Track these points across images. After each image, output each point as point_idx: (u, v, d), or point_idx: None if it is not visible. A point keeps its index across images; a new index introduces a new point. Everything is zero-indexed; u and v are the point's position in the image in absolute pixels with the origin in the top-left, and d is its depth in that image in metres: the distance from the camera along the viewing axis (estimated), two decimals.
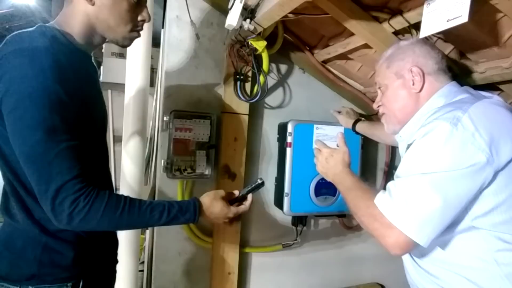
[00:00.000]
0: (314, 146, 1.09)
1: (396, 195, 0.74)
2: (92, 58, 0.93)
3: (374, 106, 1.06)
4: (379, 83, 1.01)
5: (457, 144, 0.71)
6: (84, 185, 0.72)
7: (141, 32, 0.92)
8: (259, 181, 1.02)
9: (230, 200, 1.01)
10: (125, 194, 0.83)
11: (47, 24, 0.81)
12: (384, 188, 0.81)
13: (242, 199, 1.03)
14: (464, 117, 0.73)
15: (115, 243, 1.00)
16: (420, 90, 0.92)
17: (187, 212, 0.87)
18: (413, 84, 0.92)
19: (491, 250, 0.75)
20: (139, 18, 0.88)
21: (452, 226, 0.77)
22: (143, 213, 0.80)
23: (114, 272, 1.00)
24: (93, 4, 0.81)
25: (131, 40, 0.90)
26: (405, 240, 0.72)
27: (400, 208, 0.72)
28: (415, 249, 0.87)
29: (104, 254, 0.93)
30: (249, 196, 1.03)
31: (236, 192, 1.04)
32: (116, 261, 1.01)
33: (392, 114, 0.99)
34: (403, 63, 0.94)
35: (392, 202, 0.74)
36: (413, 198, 0.72)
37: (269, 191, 1.62)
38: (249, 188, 1.03)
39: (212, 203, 0.93)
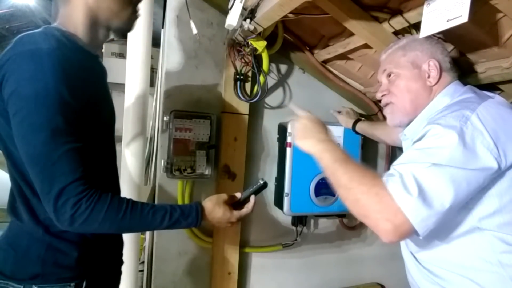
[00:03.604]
0: (295, 111, 0.97)
1: (409, 181, 0.68)
2: (99, 58, 0.93)
3: (378, 95, 1.01)
4: (390, 70, 0.97)
5: (468, 142, 0.70)
6: (86, 187, 0.73)
7: (141, 32, 0.92)
8: (261, 182, 1.01)
9: (233, 203, 1.00)
10: (125, 194, 0.83)
11: (52, 26, 0.81)
12: None
13: (244, 201, 1.02)
14: (473, 116, 0.73)
15: (120, 244, 1.00)
16: (435, 84, 0.91)
17: (189, 217, 0.87)
18: (429, 77, 0.91)
19: (496, 251, 0.74)
20: None
21: (456, 227, 0.77)
22: (145, 216, 0.80)
23: (119, 273, 1.00)
24: None
25: (134, 23, 0.90)
26: (406, 228, 0.67)
27: (413, 196, 0.67)
28: (419, 250, 0.87)
29: (108, 255, 0.93)
30: (252, 198, 1.01)
31: (238, 195, 1.03)
32: (121, 262, 1.01)
33: (401, 104, 0.95)
34: (421, 54, 0.93)
35: (405, 188, 0.67)
36: (428, 188, 0.67)
37: (269, 191, 1.62)
38: (252, 190, 1.02)
39: (214, 207, 0.93)
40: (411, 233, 0.68)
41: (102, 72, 0.94)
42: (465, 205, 0.74)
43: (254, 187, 1.02)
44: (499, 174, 0.72)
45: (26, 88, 0.69)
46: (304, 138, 0.91)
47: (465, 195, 0.70)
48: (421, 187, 0.67)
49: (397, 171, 0.71)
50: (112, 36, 0.91)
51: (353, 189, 0.74)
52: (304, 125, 0.93)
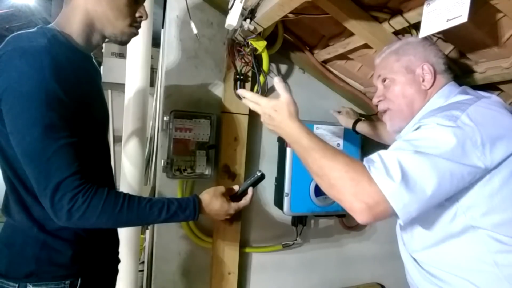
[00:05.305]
0: (246, 97, 0.88)
1: (393, 167, 0.68)
2: (93, 58, 0.93)
3: (375, 100, 1.02)
4: (384, 76, 0.98)
5: (457, 139, 0.70)
6: (82, 182, 0.73)
7: (141, 32, 0.93)
8: (258, 174, 1.02)
9: (231, 195, 1.01)
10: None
11: (48, 26, 0.82)
12: None
13: (242, 194, 1.03)
14: (463, 115, 0.74)
15: (115, 242, 1.00)
16: (429, 88, 0.92)
17: (186, 209, 0.87)
18: (423, 81, 0.92)
19: (491, 251, 0.75)
20: (137, 14, 0.89)
21: (452, 227, 0.78)
22: (142, 209, 0.80)
23: (115, 271, 1.00)
24: None
25: (129, 37, 0.91)
26: (382, 209, 0.67)
27: (396, 182, 0.67)
28: (416, 250, 0.87)
29: (104, 253, 0.93)
30: (250, 190, 1.03)
31: (236, 187, 1.04)
32: (117, 261, 1.01)
33: (398, 109, 0.96)
34: (414, 59, 0.94)
35: (387, 173, 0.68)
36: (411, 174, 0.67)
37: (269, 191, 1.62)
38: (249, 182, 1.02)
39: (212, 200, 0.94)
40: (386, 214, 0.69)
41: (96, 73, 0.94)
42: (458, 204, 0.75)
43: (252, 179, 1.02)
44: (489, 174, 0.72)
45: (18, 84, 0.70)
46: (272, 129, 0.86)
47: (448, 187, 0.70)
48: (405, 172, 0.68)
49: (380, 156, 0.72)
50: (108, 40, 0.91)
51: (328, 174, 0.74)
52: (264, 120, 0.86)
